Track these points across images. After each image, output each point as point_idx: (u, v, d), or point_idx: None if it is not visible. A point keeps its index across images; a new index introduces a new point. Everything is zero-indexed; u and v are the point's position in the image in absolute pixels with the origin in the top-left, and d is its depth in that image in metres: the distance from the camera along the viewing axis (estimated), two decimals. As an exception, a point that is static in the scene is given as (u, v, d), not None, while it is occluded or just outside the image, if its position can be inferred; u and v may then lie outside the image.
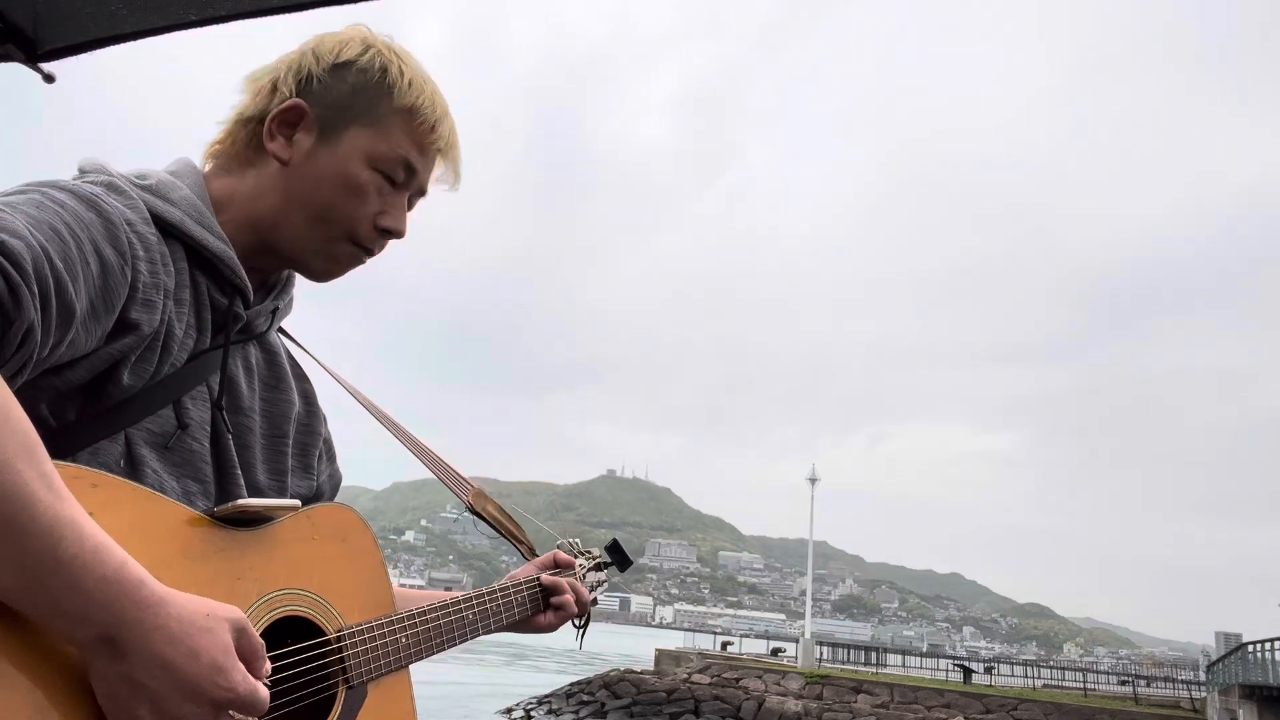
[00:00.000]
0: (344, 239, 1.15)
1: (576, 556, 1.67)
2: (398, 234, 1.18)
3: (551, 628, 1.55)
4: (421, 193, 1.23)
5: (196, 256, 1.07)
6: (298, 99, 1.13)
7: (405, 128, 1.15)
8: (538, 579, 1.53)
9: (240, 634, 0.83)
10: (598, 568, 1.74)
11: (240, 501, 0.94)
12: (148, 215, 1.01)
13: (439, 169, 1.22)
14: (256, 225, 1.13)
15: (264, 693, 0.83)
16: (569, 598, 1.54)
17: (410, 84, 1.15)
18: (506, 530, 1.60)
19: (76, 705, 0.76)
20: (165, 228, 1.03)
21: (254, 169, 1.14)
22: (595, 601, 1.67)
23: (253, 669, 0.84)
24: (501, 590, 1.44)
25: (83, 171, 1.04)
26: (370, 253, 1.19)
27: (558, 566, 1.61)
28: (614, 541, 1.82)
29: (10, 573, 0.70)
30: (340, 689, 1.05)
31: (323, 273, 1.19)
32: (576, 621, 1.61)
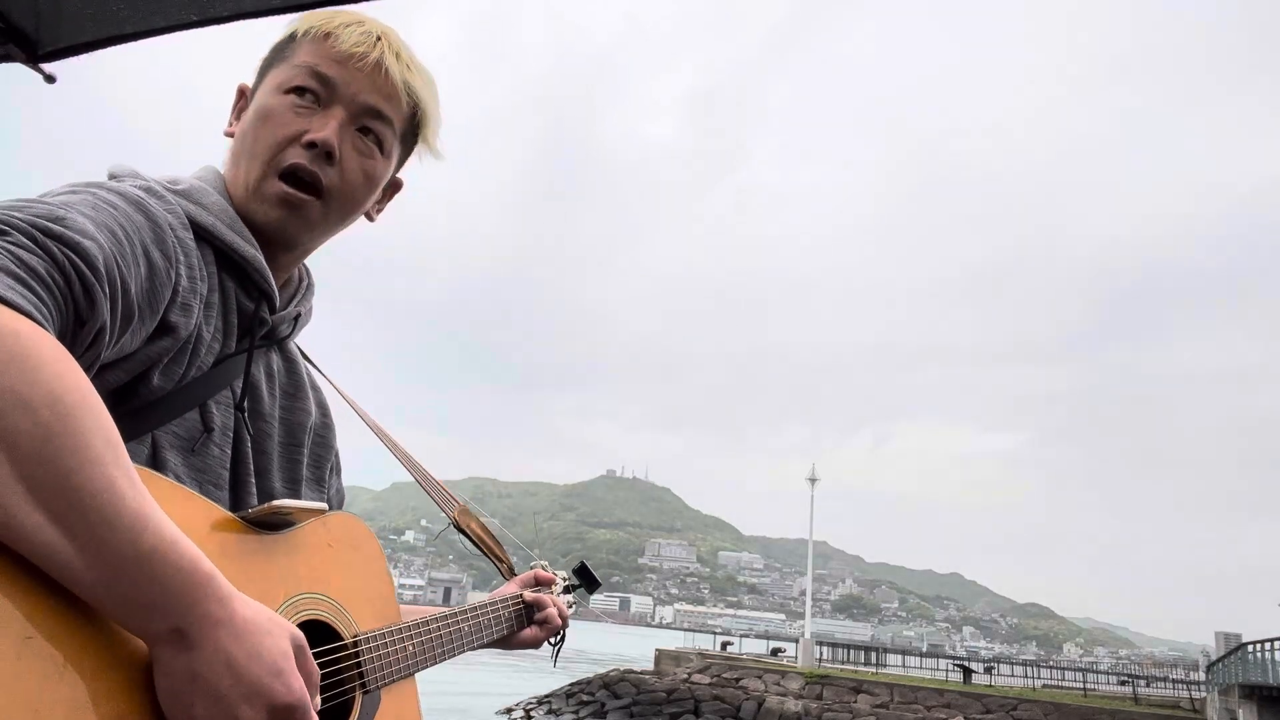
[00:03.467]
0: (269, 173, 1.09)
1: (555, 577, 1.71)
2: (322, 143, 1.08)
3: (536, 643, 1.59)
4: (375, 114, 1.13)
5: (226, 261, 1.08)
6: (242, 84, 1.19)
7: (306, 47, 1.12)
8: (521, 595, 1.57)
9: (299, 651, 0.83)
10: (566, 590, 1.77)
11: (275, 502, 0.95)
12: (186, 220, 1.02)
13: (388, 88, 1.13)
14: (232, 200, 1.13)
15: (313, 711, 0.83)
16: (552, 611, 1.58)
17: (317, 15, 1.15)
18: (488, 549, 1.63)
19: (131, 699, 0.76)
20: (198, 232, 1.04)
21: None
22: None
23: (308, 689, 0.83)
24: (491, 605, 1.48)
25: (114, 176, 1.04)
26: (304, 179, 1.09)
27: (539, 584, 1.65)
28: (581, 564, 1.85)
29: (93, 566, 0.71)
30: (357, 694, 1.07)
31: (270, 223, 1.10)
32: (552, 640, 1.63)
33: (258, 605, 0.81)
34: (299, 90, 1.10)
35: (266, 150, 1.09)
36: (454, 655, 1.33)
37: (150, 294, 0.91)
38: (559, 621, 1.60)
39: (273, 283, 1.12)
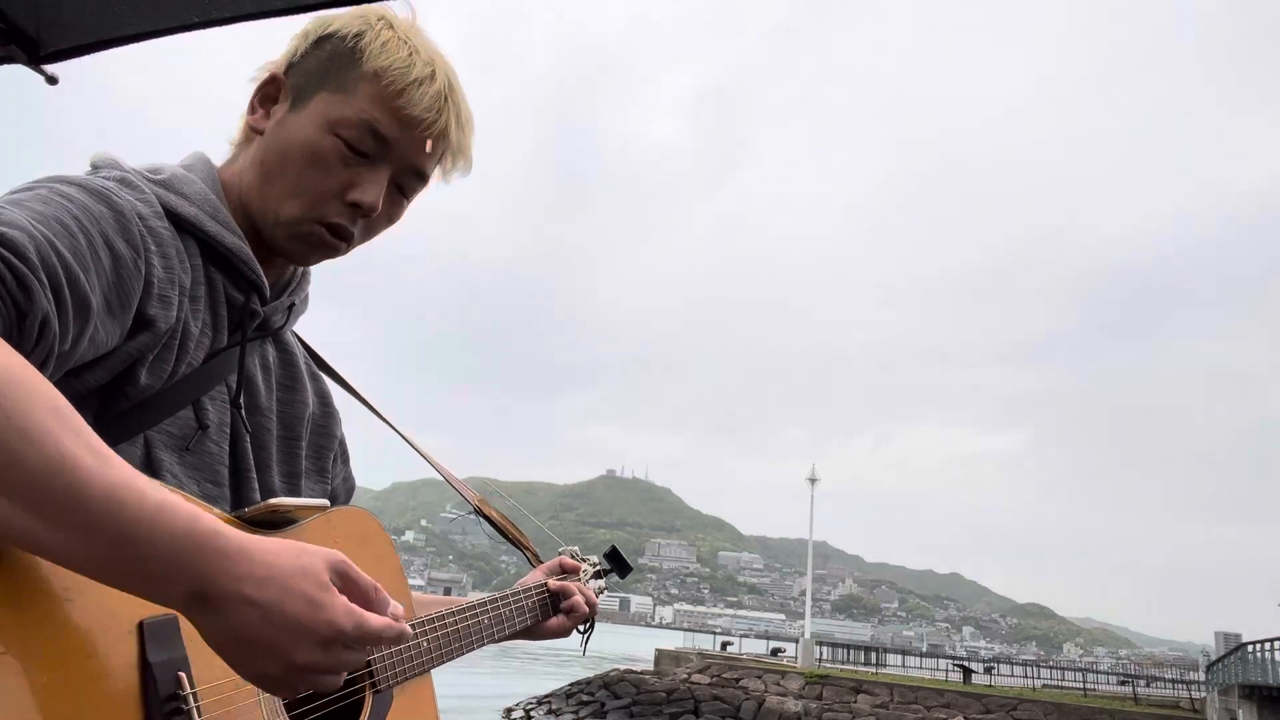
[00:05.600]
0: (312, 218, 1.07)
1: (581, 564, 1.68)
2: (367, 208, 1.07)
3: (564, 632, 1.55)
4: (417, 175, 1.12)
5: (211, 252, 1.05)
6: (275, 71, 1.12)
7: (371, 91, 1.06)
8: (545, 584, 1.54)
9: (343, 574, 0.79)
10: (598, 575, 1.75)
11: (272, 500, 0.93)
12: (160, 210, 0.99)
13: (440, 152, 1.13)
14: (246, 205, 1.10)
15: (379, 623, 0.78)
16: (578, 599, 1.55)
17: (384, 46, 1.07)
18: (513, 535, 1.60)
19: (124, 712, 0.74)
20: (180, 223, 1.01)
21: (245, 150, 1.13)
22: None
23: (367, 604, 0.80)
24: (514, 595, 1.45)
25: (95, 167, 1.02)
26: (342, 235, 1.08)
27: (564, 572, 1.63)
28: (613, 548, 1.81)
29: (81, 546, 0.67)
30: (367, 694, 1.04)
31: (294, 255, 1.11)
32: (581, 627, 1.61)
33: (285, 545, 0.76)
34: (352, 144, 1.06)
35: (310, 195, 1.06)
36: (475, 649, 1.31)
37: (118, 286, 0.88)
38: (585, 609, 1.56)
39: (262, 274, 1.09)
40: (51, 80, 1.36)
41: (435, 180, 1.20)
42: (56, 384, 0.83)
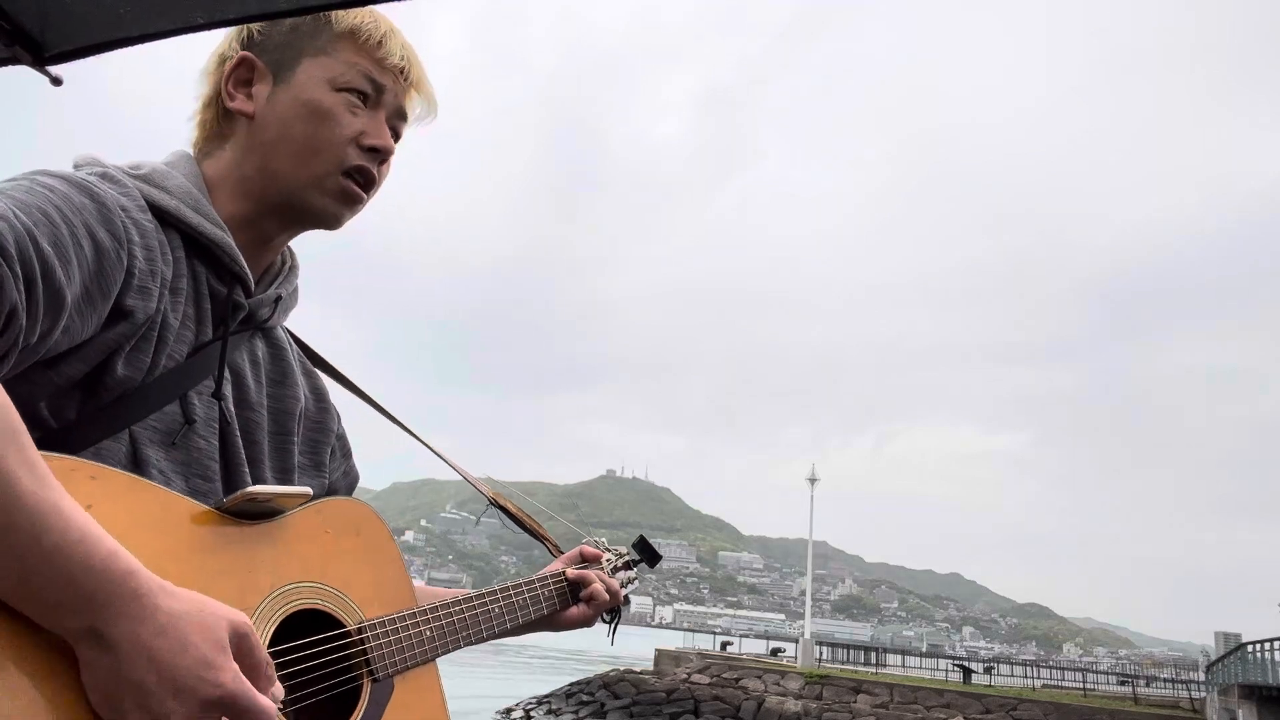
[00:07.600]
0: (333, 170, 1.12)
1: (603, 553, 1.66)
2: (385, 150, 1.15)
3: (586, 621, 1.53)
4: (401, 116, 1.20)
5: (194, 245, 1.05)
6: (244, 52, 1.14)
7: (352, 47, 1.14)
8: (563, 573, 1.52)
9: (241, 639, 0.79)
10: (626, 566, 1.70)
11: (249, 489, 0.91)
12: (143, 203, 0.99)
13: (412, 98, 1.21)
14: (250, 191, 1.12)
15: (263, 702, 0.78)
16: (598, 587, 1.52)
17: (358, 16, 1.15)
18: (530, 526, 1.59)
19: (72, 699, 0.73)
20: (162, 215, 1.02)
21: (230, 139, 1.14)
22: (627, 600, 1.65)
23: (254, 678, 0.79)
24: (527, 584, 1.43)
25: (77, 167, 1.03)
26: (365, 181, 1.15)
27: (585, 561, 1.60)
28: (641, 538, 1.77)
29: None
30: (365, 682, 1.04)
31: (327, 213, 1.15)
32: (606, 616, 1.58)
33: (191, 598, 0.77)
34: (354, 91, 1.13)
35: (330, 149, 1.12)
36: (484, 639, 1.29)
37: (99, 276, 0.88)
38: (605, 598, 1.53)
39: (244, 265, 1.09)
40: (56, 81, 1.36)
41: (411, 127, 1.29)
42: (30, 376, 0.85)
